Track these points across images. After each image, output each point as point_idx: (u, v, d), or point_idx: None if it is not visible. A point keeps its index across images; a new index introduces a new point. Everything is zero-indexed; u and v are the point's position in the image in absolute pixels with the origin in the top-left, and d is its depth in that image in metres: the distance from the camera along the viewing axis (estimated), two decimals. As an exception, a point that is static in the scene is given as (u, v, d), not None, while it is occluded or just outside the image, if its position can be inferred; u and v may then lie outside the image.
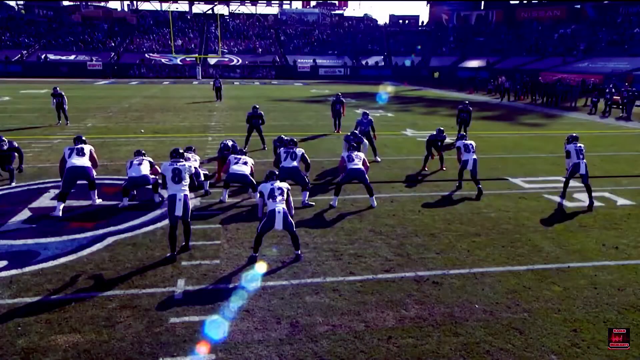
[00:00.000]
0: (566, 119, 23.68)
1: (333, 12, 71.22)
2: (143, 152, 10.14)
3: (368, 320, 5.65)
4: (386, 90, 49.68)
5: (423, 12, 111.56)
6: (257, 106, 15.73)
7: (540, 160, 13.43)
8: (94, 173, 9.53)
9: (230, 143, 11.33)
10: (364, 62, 56.24)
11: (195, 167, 9.80)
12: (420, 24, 70.25)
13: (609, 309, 5.97)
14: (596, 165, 13.53)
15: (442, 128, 12.90)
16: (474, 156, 10.79)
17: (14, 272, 6.70)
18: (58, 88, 19.50)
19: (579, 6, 56.53)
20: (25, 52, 51.47)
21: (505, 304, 6.05)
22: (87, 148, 9.52)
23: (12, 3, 63.99)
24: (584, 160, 10.08)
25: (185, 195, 7.13)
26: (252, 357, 4.96)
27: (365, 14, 73.14)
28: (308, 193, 9.91)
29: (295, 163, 9.65)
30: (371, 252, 7.43)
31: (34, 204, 9.43)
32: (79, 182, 9.51)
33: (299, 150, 9.83)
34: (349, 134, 11.92)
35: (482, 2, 65.13)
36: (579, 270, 6.99)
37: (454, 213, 9.34)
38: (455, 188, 11.24)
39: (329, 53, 59.25)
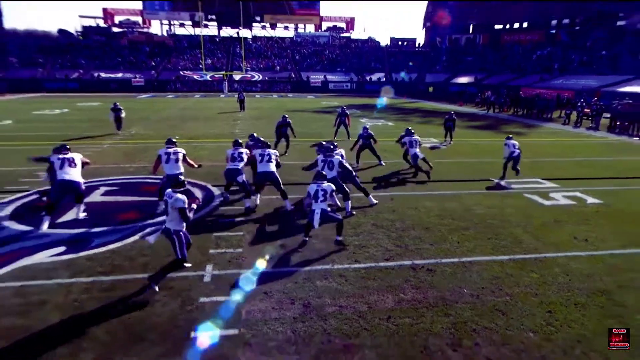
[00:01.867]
0: (543, 128, 23.46)
1: (341, 35, 71.04)
2: (174, 140, 9.11)
3: (370, 302, 5.64)
4: (388, 93, 49.91)
5: (420, 35, 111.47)
6: (287, 116, 15.61)
7: (522, 164, 13.21)
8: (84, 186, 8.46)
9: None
10: (367, 78, 56.08)
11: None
12: (417, 45, 69.93)
13: (579, 293, 5.93)
14: (569, 169, 13.40)
15: (410, 128, 12.99)
16: (418, 150, 11.90)
17: (71, 256, 6.79)
18: (118, 103, 19.50)
19: (554, 31, 56.14)
20: (82, 71, 51.96)
21: (489, 288, 6.01)
22: (77, 157, 8.37)
23: (72, 30, 64.73)
24: (518, 150, 11.48)
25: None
26: (270, 333, 4.97)
27: (370, 37, 72.78)
28: (350, 202, 8.93)
29: (334, 173, 8.64)
30: (374, 243, 7.41)
31: (88, 199, 9.46)
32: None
33: (336, 159, 8.76)
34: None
35: (471, 27, 64.76)
36: (553, 260, 6.93)
37: (446, 209, 9.26)
38: (412, 175, 12.17)
39: (338, 70, 59.16)
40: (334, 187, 7.41)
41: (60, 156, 8.16)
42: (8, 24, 62.54)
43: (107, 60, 55.87)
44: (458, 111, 24.72)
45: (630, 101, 24.92)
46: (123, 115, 19.30)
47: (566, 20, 55.40)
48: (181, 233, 5.79)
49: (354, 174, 9.47)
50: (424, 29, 69.23)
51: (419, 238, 7.69)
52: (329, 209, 7.28)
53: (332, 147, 9.26)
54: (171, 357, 4.53)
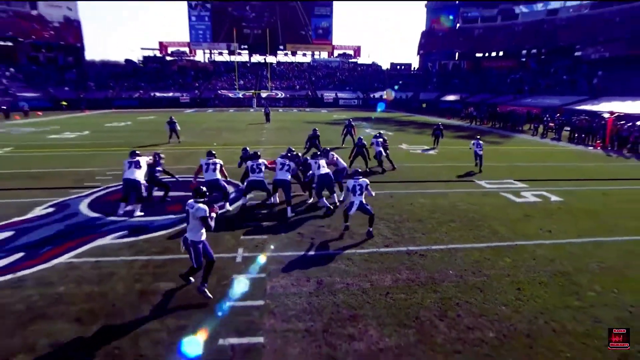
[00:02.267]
0: (516, 138, 23.05)
1: (350, 60, 70.66)
2: (213, 152, 8.81)
3: (372, 280, 5.61)
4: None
5: (414, 61, 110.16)
6: (317, 129, 15.27)
7: (498, 167, 13.09)
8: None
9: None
10: (371, 96, 55.63)
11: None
12: (412, 69, 69.20)
13: (543, 274, 5.85)
14: (536, 172, 13.15)
15: (380, 132, 13.50)
16: (380, 148, 12.51)
17: (132, 239, 6.89)
18: (173, 117, 19.26)
19: (524, 60, 55.44)
20: (141, 91, 52.56)
21: (470, 270, 5.95)
22: (142, 161, 8.33)
23: (135, 59, 65.81)
24: (480, 150, 12.65)
25: None
26: (290, 304, 4.98)
27: (373, 62, 72.16)
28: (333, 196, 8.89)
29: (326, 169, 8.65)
30: (375, 233, 7.34)
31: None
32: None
33: (364, 182, 7.62)
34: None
35: (457, 54, 63.93)
36: (523, 247, 6.82)
37: (436, 205, 9.15)
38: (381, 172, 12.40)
39: (346, 89, 58.76)
40: (368, 182, 7.40)
41: (129, 159, 8.23)
42: (88, 56, 63.68)
43: (161, 83, 56.39)
44: (446, 123, 24.46)
45: (586, 117, 24.63)
46: (178, 128, 18.97)
47: (534, 51, 54.83)
48: (199, 246, 5.09)
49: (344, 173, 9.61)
50: (418, 55, 68.44)
51: (413, 229, 7.61)
52: (364, 201, 7.26)
53: (325, 151, 9.53)
54: (210, 321, 4.57)
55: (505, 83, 50.19)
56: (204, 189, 5.23)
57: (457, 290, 5.37)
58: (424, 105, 49.29)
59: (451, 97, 51.06)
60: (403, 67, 69.40)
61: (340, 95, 55.82)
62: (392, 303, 5.04)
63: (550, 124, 24.62)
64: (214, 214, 5.14)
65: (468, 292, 5.33)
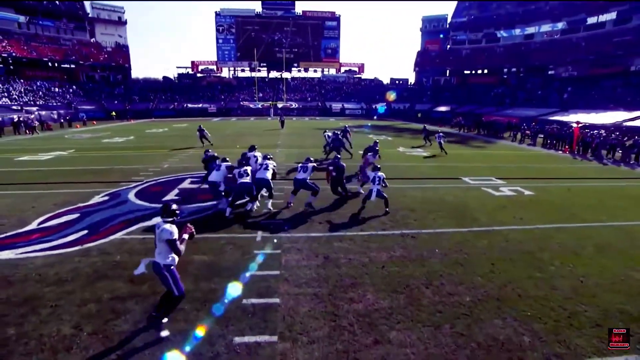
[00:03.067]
0: (498, 144, 22.92)
1: (355, 75, 70.63)
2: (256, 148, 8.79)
3: (371, 257, 5.78)
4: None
5: (411, 76, 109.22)
6: (337, 132, 15.20)
7: (481, 167, 13.12)
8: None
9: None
10: (373, 106, 55.53)
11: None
12: (409, 83, 68.87)
13: (513, 253, 5.98)
14: (513, 171, 13.17)
15: (376, 141, 12.36)
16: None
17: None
18: (202, 126, 19.82)
19: (505, 76, 55.00)
20: (176, 103, 53.31)
21: (454, 249, 6.09)
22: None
23: (171, 76, 66.85)
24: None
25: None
26: (301, 274, 5.18)
27: (375, 77, 72.21)
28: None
29: (306, 175, 7.93)
30: (374, 219, 7.50)
31: (180, 186, 9.90)
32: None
33: (310, 166, 7.98)
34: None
35: (447, 71, 63.50)
36: (499, 231, 6.93)
37: (426, 197, 9.26)
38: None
39: (352, 100, 58.73)
40: (384, 175, 7.99)
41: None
42: (133, 75, 65.26)
43: (192, 96, 57.08)
44: (437, 130, 24.62)
45: (557, 126, 24.55)
46: (208, 134, 19.47)
47: (514, 69, 54.57)
48: (172, 268, 3.83)
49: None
50: (414, 71, 68.09)
51: (407, 216, 7.74)
52: (381, 189, 7.80)
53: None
54: (236, 286, 4.79)
55: (489, 96, 49.80)
56: (175, 206, 3.98)
57: (442, 265, 5.52)
58: (419, 114, 49.00)
59: (443, 108, 50.75)
60: (401, 81, 69.16)
61: (346, 105, 55.86)
62: (386, 274, 5.22)
63: (527, 131, 24.53)
64: (186, 236, 3.97)
65: (451, 266, 5.47)
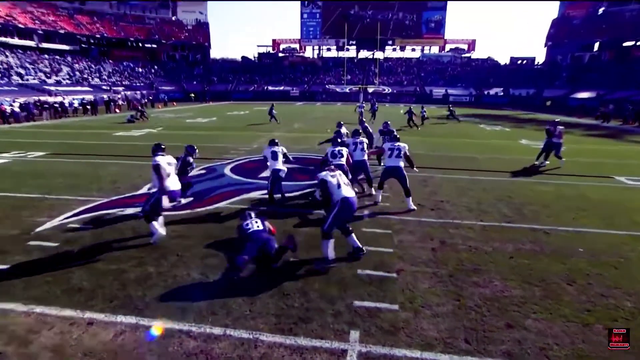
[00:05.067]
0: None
1: (463, 55, 67.49)
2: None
3: (494, 247, 5.94)
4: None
5: (539, 53, 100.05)
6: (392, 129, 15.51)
7: None
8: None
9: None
10: (485, 92, 52.67)
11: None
12: (536, 63, 63.16)
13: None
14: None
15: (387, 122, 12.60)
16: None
17: (255, 194, 8.07)
18: (273, 105, 24.38)
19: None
20: (256, 85, 57.89)
21: (605, 251, 5.88)
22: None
23: (251, 56, 72.68)
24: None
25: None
26: (415, 254, 5.60)
27: (489, 56, 67.84)
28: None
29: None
30: (495, 211, 7.53)
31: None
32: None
33: (403, 146, 7.62)
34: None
35: (597, 44, 56.28)
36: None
37: (561, 193, 8.87)
38: None
39: (458, 85, 56.52)
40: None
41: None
42: (212, 55, 72.64)
43: (273, 77, 61.24)
44: (574, 122, 22.38)
45: None
46: (275, 112, 23.75)
47: None
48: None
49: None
50: (546, 47, 62.30)
51: (537, 212, 7.54)
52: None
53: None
54: (349, 259, 5.42)
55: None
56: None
57: (589, 264, 5.38)
58: (548, 103, 44.90)
59: (584, 94, 45.59)
60: (525, 61, 63.80)
61: (450, 91, 53.88)
62: (515, 265, 5.31)
63: None
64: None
65: (600, 267, 5.31)
